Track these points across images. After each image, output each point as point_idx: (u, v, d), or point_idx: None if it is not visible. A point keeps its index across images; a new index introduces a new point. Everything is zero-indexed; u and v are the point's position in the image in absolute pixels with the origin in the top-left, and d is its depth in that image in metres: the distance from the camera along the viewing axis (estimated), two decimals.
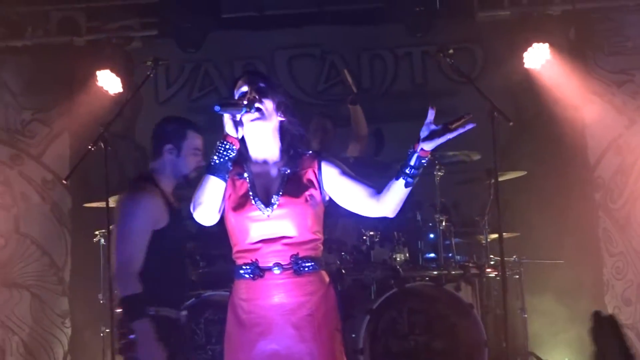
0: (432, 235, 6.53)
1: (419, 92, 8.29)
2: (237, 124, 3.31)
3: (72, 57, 7.84)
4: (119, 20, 7.90)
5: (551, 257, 6.74)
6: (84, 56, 7.80)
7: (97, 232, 6.53)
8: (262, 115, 3.39)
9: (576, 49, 7.72)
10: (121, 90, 7.39)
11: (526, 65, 7.40)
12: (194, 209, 3.32)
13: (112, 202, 6.17)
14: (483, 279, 6.49)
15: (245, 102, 3.33)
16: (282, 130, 3.49)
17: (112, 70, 7.38)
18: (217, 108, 3.27)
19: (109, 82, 7.36)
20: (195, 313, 5.98)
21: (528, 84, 7.68)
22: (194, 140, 4.59)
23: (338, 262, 6.13)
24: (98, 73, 7.34)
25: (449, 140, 3.19)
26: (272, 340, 3.31)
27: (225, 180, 3.30)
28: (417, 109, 8.17)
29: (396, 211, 3.41)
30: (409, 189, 3.31)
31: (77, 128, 7.62)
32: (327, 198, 3.47)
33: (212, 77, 8.32)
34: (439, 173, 6.25)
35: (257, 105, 3.36)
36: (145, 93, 7.65)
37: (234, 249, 3.43)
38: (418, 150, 3.24)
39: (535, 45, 7.33)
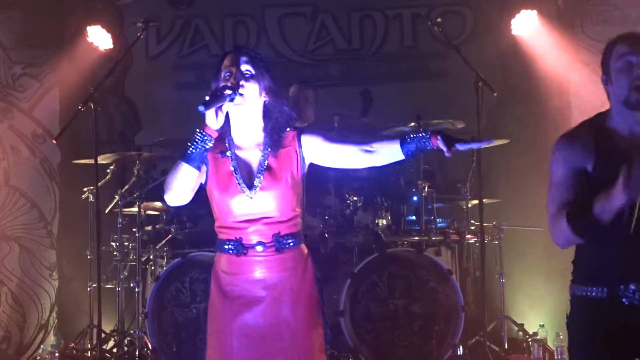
0: (415, 198, 6.64)
1: (408, 54, 8.34)
2: (219, 110, 3.32)
3: (63, 12, 7.84)
4: None
5: (532, 223, 6.80)
6: (75, 11, 7.81)
7: (85, 189, 6.62)
8: (245, 99, 3.40)
9: (564, 16, 7.72)
10: (111, 46, 7.33)
11: (514, 32, 7.42)
12: (165, 192, 3.38)
13: (101, 160, 6.30)
14: (463, 245, 6.64)
15: (228, 92, 3.32)
16: (266, 111, 3.50)
17: (102, 26, 7.28)
18: (201, 109, 3.26)
19: (99, 38, 7.25)
20: (180, 272, 6.11)
21: (516, 49, 7.70)
22: (618, 55, 3.38)
23: (321, 226, 6.22)
24: (89, 29, 7.23)
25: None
26: (252, 311, 3.42)
27: (199, 169, 3.34)
28: (405, 70, 8.34)
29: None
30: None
31: (67, 83, 7.63)
32: (305, 171, 3.53)
33: (202, 34, 8.34)
34: None
35: (240, 91, 3.37)
36: (135, 49, 7.53)
37: (217, 223, 3.50)
38: (433, 142, 3.27)
39: (523, 12, 7.34)
